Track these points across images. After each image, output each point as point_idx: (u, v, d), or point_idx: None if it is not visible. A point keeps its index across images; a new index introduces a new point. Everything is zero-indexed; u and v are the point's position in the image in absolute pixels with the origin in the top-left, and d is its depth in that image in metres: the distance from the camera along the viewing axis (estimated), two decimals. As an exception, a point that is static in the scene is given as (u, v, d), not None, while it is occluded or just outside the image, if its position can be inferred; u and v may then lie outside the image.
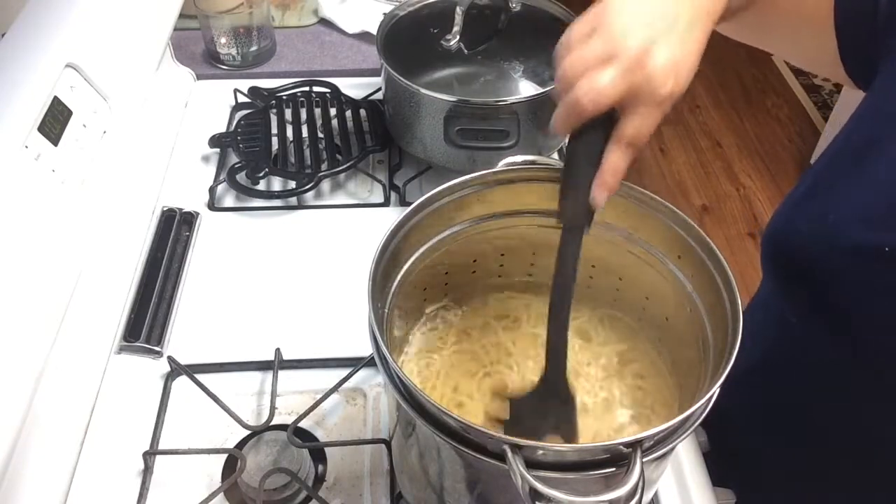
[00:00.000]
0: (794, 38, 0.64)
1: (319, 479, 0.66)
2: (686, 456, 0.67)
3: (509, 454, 0.41)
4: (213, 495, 0.62)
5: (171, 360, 0.72)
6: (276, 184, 0.93)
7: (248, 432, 0.67)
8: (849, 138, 0.58)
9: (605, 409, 0.59)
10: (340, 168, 0.91)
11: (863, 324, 0.56)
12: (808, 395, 0.65)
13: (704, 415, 0.46)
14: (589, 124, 0.47)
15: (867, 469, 0.64)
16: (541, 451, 0.42)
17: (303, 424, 0.68)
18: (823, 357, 0.62)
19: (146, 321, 0.76)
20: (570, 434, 0.52)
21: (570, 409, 0.53)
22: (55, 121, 0.65)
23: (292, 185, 0.89)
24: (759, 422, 0.73)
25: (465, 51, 0.91)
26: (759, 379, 0.70)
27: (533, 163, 0.58)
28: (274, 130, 0.97)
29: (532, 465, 0.41)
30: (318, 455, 0.67)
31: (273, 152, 0.94)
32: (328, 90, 1.02)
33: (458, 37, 0.90)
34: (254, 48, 1.08)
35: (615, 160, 0.47)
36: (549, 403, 0.53)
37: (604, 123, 0.47)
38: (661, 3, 0.46)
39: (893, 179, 0.53)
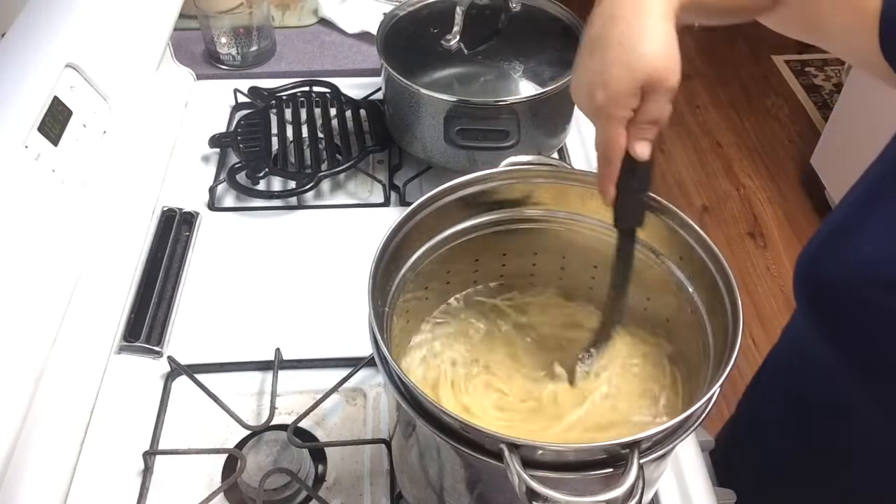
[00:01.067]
0: (845, 37, 0.60)
1: (319, 479, 0.66)
2: (686, 456, 0.67)
3: (506, 453, 0.41)
4: (213, 495, 0.62)
5: (171, 360, 0.72)
6: (276, 184, 0.93)
7: (248, 432, 0.67)
8: (882, 172, 0.57)
9: (605, 409, 0.59)
10: (340, 168, 0.91)
11: (889, 358, 0.56)
12: (822, 411, 0.65)
13: (704, 416, 0.46)
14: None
15: (869, 471, 0.64)
16: (539, 451, 0.42)
17: (303, 424, 0.68)
18: (850, 389, 0.61)
19: (146, 321, 0.76)
20: None
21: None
22: (55, 121, 0.65)
23: (292, 185, 0.89)
24: (769, 429, 0.73)
25: (465, 51, 0.91)
26: (780, 396, 0.69)
27: (534, 163, 0.58)
28: (274, 130, 0.97)
29: (530, 464, 0.41)
30: (318, 455, 0.67)
31: (273, 152, 0.94)
32: (328, 90, 1.02)
33: (458, 37, 0.90)
34: (254, 48, 1.08)
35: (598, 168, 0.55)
36: None
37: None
38: (595, 26, 0.52)
39: None
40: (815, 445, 0.68)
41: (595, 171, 0.55)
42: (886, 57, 0.56)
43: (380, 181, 0.92)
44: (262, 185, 0.91)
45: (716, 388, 0.45)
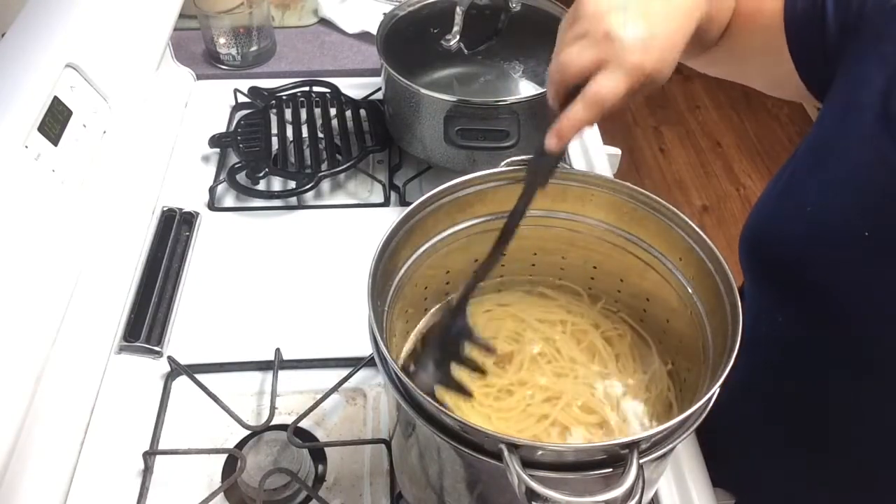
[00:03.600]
0: (762, 65, 0.67)
1: (319, 479, 0.66)
2: (686, 456, 0.67)
3: (506, 453, 0.41)
4: (213, 495, 0.62)
5: (171, 360, 0.72)
6: (276, 184, 0.93)
7: (248, 432, 0.67)
8: (816, 135, 0.62)
9: (604, 410, 0.59)
10: (340, 168, 0.91)
11: (848, 312, 0.58)
12: (799, 388, 0.66)
13: (703, 416, 0.46)
14: (571, 97, 0.51)
15: (863, 467, 0.64)
16: (539, 451, 0.42)
17: (303, 424, 0.68)
18: (809, 350, 0.63)
19: (146, 321, 0.76)
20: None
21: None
22: (55, 121, 0.65)
23: (292, 185, 0.89)
24: (751, 423, 0.73)
25: (465, 51, 0.91)
26: (750, 382, 0.70)
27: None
28: (274, 130, 0.97)
29: (530, 464, 0.41)
30: (318, 455, 0.67)
31: (273, 152, 0.94)
32: (328, 90, 1.02)
33: (458, 37, 0.90)
34: (254, 48, 1.08)
35: (573, 111, 0.50)
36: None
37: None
38: None
39: (858, 169, 0.56)
40: (792, 420, 0.69)
41: (594, 172, 0.55)
42: (793, 55, 0.61)
43: (380, 181, 0.93)
44: (262, 185, 0.91)
45: (715, 389, 0.45)
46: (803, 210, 0.60)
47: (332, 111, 0.99)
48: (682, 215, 0.55)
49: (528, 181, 0.53)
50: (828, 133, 0.60)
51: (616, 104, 0.50)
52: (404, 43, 0.91)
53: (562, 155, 0.53)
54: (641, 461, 0.42)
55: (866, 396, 0.60)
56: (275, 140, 0.95)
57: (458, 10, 0.90)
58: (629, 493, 0.40)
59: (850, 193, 0.56)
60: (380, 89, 1.00)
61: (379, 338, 0.48)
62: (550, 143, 0.51)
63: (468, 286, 0.56)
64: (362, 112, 0.99)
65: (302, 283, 0.82)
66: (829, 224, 0.57)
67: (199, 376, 0.70)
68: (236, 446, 0.67)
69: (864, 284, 0.57)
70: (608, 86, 0.50)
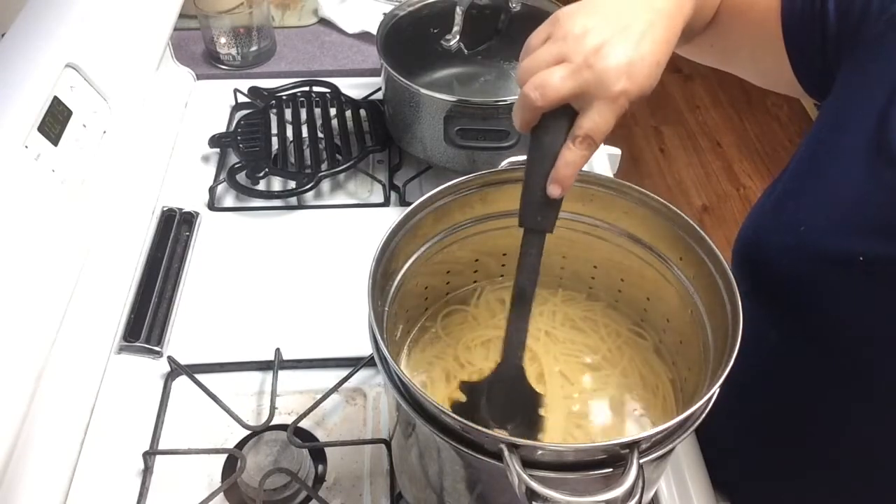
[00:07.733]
0: (753, 58, 0.65)
1: (319, 479, 0.66)
2: (686, 456, 0.67)
3: (506, 453, 0.41)
4: (213, 495, 0.62)
5: (171, 360, 0.72)
6: (276, 184, 0.93)
7: (248, 432, 0.67)
8: (810, 147, 0.60)
9: (605, 410, 0.59)
10: (340, 168, 0.91)
11: (838, 332, 0.57)
12: (789, 403, 0.65)
13: (703, 416, 0.46)
14: (545, 122, 0.49)
15: (857, 475, 0.64)
16: (539, 451, 0.42)
17: (303, 424, 0.68)
18: (800, 366, 0.62)
19: (146, 321, 0.76)
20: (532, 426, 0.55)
21: (532, 403, 0.55)
22: (55, 121, 0.65)
23: (292, 185, 0.89)
24: (741, 430, 0.73)
25: (465, 51, 0.91)
26: (740, 390, 0.70)
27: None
28: (274, 130, 0.97)
29: (529, 464, 0.41)
30: (318, 455, 0.67)
31: (273, 152, 0.94)
32: (328, 90, 1.02)
33: (458, 37, 0.91)
34: (254, 48, 1.08)
35: (568, 155, 0.48)
36: (509, 395, 0.55)
37: (559, 122, 0.49)
38: (614, 9, 0.49)
39: (854, 188, 0.54)
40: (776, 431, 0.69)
41: (594, 172, 0.55)
42: (789, 53, 0.59)
43: (380, 181, 0.93)
44: (262, 185, 0.91)
45: (715, 389, 0.45)
46: (797, 228, 0.58)
47: (332, 111, 0.99)
48: (682, 215, 0.55)
49: (535, 227, 0.51)
50: (824, 147, 0.58)
51: (606, 134, 0.48)
52: (404, 43, 0.91)
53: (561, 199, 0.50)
54: (641, 461, 0.42)
55: (856, 413, 0.60)
56: (275, 140, 0.95)
57: (458, 10, 0.90)
58: (629, 493, 0.40)
59: (845, 216, 0.55)
60: (380, 89, 1.00)
61: (379, 338, 0.48)
62: (553, 191, 0.49)
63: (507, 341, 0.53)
64: (362, 112, 0.99)
65: (302, 283, 0.82)
66: (823, 246, 0.56)
67: (199, 376, 0.70)
68: (236, 446, 0.67)
69: (857, 308, 0.55)
70: (598, 122, 0.47)
